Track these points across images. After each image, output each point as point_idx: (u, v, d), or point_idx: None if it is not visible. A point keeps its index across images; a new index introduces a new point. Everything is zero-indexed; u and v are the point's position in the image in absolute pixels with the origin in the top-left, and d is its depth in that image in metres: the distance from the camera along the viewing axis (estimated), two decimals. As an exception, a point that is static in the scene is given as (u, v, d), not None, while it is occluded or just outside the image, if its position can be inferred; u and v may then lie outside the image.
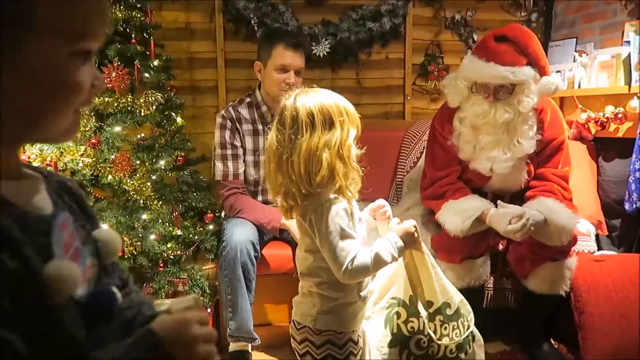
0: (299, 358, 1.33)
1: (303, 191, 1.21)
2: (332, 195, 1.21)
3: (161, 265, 1.94)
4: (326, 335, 1.26)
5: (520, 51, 1.92)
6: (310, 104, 1.21)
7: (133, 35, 2.02)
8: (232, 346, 2.01)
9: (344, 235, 1.21)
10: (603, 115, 2.45)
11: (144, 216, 1.93)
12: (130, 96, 1.96)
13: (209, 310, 2.09)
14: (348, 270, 1.20)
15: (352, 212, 1.27)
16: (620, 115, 2.37)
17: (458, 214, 1.95)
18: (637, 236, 2.37)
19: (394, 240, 1.28)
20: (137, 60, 1.98)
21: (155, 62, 2.09)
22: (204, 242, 2.12)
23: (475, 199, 2.01)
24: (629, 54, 2.37)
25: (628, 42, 2.44)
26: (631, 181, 2.27)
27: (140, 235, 1.88)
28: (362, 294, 1.31)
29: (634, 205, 2.26)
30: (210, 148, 2.37)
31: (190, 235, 2.11)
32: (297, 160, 1.19)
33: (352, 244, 1.22)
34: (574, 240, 2.01)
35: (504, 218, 1.85)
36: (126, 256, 1.83)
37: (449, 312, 1.39)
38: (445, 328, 1.37)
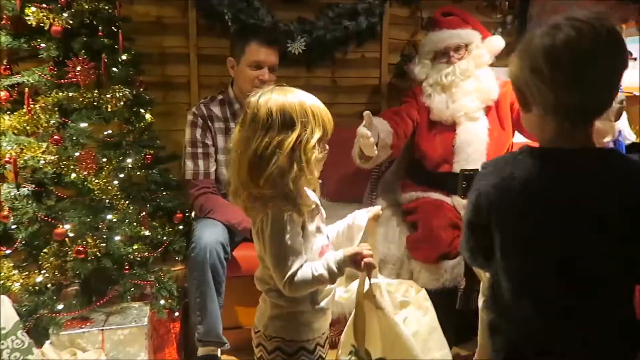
0: None
1: (252, 193, 1.18)
2: (280, 206, 1.15)
3: (127, 267, 1.87)
4: (276, 342, 1.24)
5: (463, 20, 2.36)
6: (272, 103, 1.16)
7: (100, 28, 1.94)
8: (201, 351, 1.95)
9: (287, 247, 1.15)
10: (575, 118, 2.47)
11: (109, 216, 1.85)
12: (96, 91, 1.87)
13: (176, 314, 2.03)
14: (287, 283, 1.15)
15: (306, 221, 1.20)
16: (592, 119, 2.39)
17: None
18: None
19: (338, 257, 1.21)
20: (104, 54, 1.90)
21: (124, 57, 2.01)
22: (172, 243, 2.05)
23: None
24: (601, 58, 2.40)
25: (600, 46, 2.46)
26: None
27: (104, 236, 1.80)
28: (319, 305, 1.25)
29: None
30: (181, 146, 2.31)
31: (159, 236, 2.03)
32: (245, 160, 1.16)
33: (295, 259, 1.16)
34: None
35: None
36: (89, 258, 1.75)
37: None
38: None
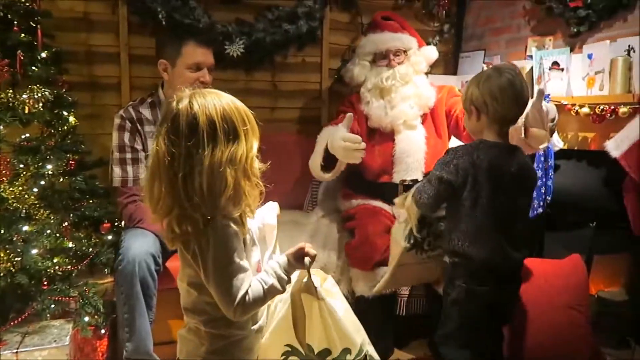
0: None
1: (208, 216, 1.04)
2: (225, 221, 1.05)
3: (45, 282, 1.72)
4: None
5: (401, 27, 2.40)
6: (211, 110, 1.03)
7: (16, 22, 1.78)
8: (130, 369, 1.83)
9: (235, 268, 1.06)
10: (508, 126, 2.55)
11: (26, 227, 1.70)
12: (10, 91, 1.72)
13: (103, 331, 1.90)
14: (240, 306, 1.05)
15: (246, 235, 1.13)
16: (523, 126, 2.48)
17: (322, 137, 2.19)
18: (538, 241, 2.49)
19: (283, 261, 1.17)
20: (19, 51, 1.75)
21: (44, 54, 1.86)
22: (99, 254, 1.92)
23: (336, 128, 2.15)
24: (532, 68, 2.49)
25: (531, 56, 2.56)
26: (533, 189, 2.38)
27: (19, 249, 1.64)
28: (256, 326, 1.18)
29: (536, 212, 2.37)
30: (110, 151, 2.17)
31: (84, 248, 1.90)
32: (198, 178, 1.01)
33: (245, 277, 1.08)
34: None
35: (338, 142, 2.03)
36: (1, 274, 1.59)
37: (349, 357, 1.23)
38: None
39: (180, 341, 1.19)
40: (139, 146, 2.02)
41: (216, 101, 1.06)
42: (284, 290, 1.16)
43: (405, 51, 2.32)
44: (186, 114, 1.03)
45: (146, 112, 2.05)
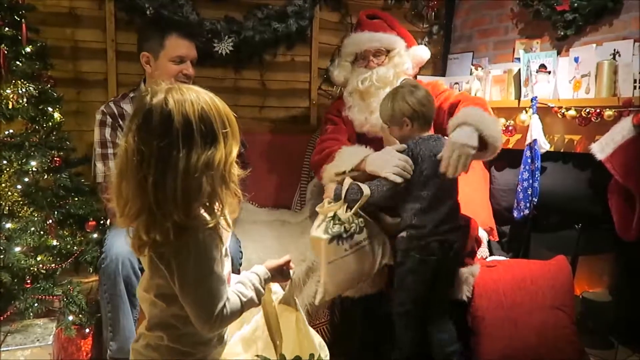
0: None
1: (177, 223, 0.93)
2: (203, 230, 0.97)
3: (29, 281, 1.69)
4: None
5: (389, 26, 2.24)
6: (187, 109, 0.93)
7: (0, 17, 1.75)
8: (115, 369, 1.80)
9: (215, 279, 0.98)
10: (495, 127, 2.57)
11: (9, 225, 1.67)
12: (-6, 86, 1.69)
13: (87, 330, 1.87)
14: (217, 319, 0.98)
15: (222, 246, 1.04)
16: (510, 128, 2.50)
17: (347, 154, 1.97)
18: (524, 242, 2.51)
19: (263, 274, 1.13)
20: (3, 45, 1.71)
21: (28, 49, 1.83)
22: (84, 253, 1.89)
23: (356, 146, 2.01)
24: (519, 70, 2.52)
25: (518, 59, 2.59)
26: (519, 190, 2.39)
27: (2, 247, 1.61)
28: (225, 339, 1.13)
29: (522, 213, 2.39)
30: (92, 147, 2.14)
31: (68, 246, 1.87)
32: (171, 183, 0.91)
33: (223, 289, 1.01)
34: (478, 244, 2.09)
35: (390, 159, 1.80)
36: (-18, 272, 1.56)
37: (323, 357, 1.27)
38: None
39: (134, 355, 1.08)
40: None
41: (194, 99, 0.96)
42: (259, 304, 1.11)
43: (388, 51, 2.18)
44: (160, 110, 0.93)
45: (128, 107, 2.02)
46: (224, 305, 1.00)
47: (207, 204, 0.96)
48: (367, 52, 2.18)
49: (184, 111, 0.93)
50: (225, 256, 1.09)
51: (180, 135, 0.92)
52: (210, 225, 0.97)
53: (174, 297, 1.00)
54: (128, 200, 0.96)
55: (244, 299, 1.05)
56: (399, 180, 1.75)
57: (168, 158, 0.92)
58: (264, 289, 1.12)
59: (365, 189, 1.79)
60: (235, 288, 1.06)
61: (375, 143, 2.14)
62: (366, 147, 2.04)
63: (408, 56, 2.21)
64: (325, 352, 1.28)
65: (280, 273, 1.17)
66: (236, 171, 1.01)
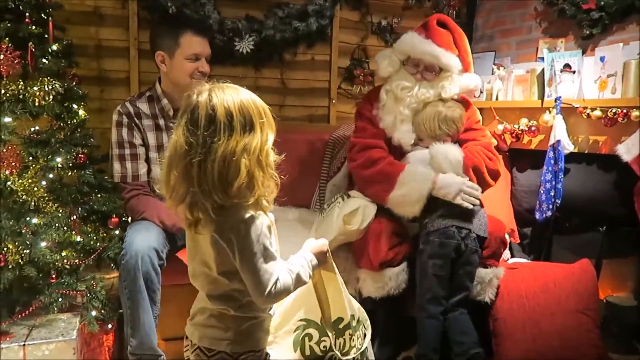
0: None
1: (218, 202, 1.06)
2: (251, 211, 1.09)
3: (54, 276, 1.71)
4: (244, 357, 1.18)
5: (455, 42, 2.11)
6: (229, 102, 1.07)
7: (27, 14, 1.77)
8: (135, 365, 1.82)
9: (267, 255, 1.11)
10: (518, 128, 2.54)
11: (35, 220, 1.69)
12: (21, 83, 1.72)
13: (109, 325, 1.89)
14: (271, 294, 1.11)
15: (271, 226, 1.16)
16: (533, 128, 2.47)
17: (413, 180, 1.97)
18: (546, 244, 2.48)
19: (309, 258, 1.25)
20: (31, 43, 1.74)
21: (54, 47, 1.85)
22: (107, 249, 1.91)
23: (418, 169, 2.02)
24: (543, 70, 2.48)
25: (542, 58, 2.55)
26: (542, 191, 2.36)
27: (28, 242, 1.64)
28: (273, 309, 1.26)
29: (544, 215, 2.36)
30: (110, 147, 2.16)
31: (92, 242, 1.89)
32: (211, 166, 1.04)
33: (275, 265, 1.13)
34: (503, 246, 2.07)
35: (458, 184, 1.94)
36: (10, 266, 1.58)
37: (354, 323, 1.39)
38: (353, 340, 1.38)
39: (199, 330, 1.19)
40: (137, 141, 2.01)
41: (234, 95, 1.09)
42: (307, 282, 1.22)
43: (440, 69, 2.08)
44: (205, 105, 1.06)
45: (144, 107, 2.04)
46: (277, 281, 1.12)
47: (245, 184, 1.06)
48: (420, 60, 2.08)
49: (226, 105, 1.07)
50: (272, 235, 1.19)
51: (222, 125, 1.06)
52: (252, 204, 1.08)
53: (235, 273, 1.12)
54: (175, 184, 1.09)
55: (294, 276, 1.16)
56: (470, 207, 1.92)
57: (211, 144, 1.05)
58: (311, 268, 1.23)
59: None
60: (286, 267, 1.17)
61: (398, 152, 2.14)
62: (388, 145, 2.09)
63: (459, 81, 2.10)
64: (364, 315, 1.45)
65: (321, 254, 1.28)
66: (272, 157, 1.13)
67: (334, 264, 1.36)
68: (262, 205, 1.11)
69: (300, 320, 1.34)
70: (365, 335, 1.43)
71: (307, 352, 1.32)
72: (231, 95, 1.08)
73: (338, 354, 1.33)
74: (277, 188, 1.14)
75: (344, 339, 1.36)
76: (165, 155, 1.12)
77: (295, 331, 1.33)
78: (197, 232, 1.12)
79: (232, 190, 1.05)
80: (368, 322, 1.47)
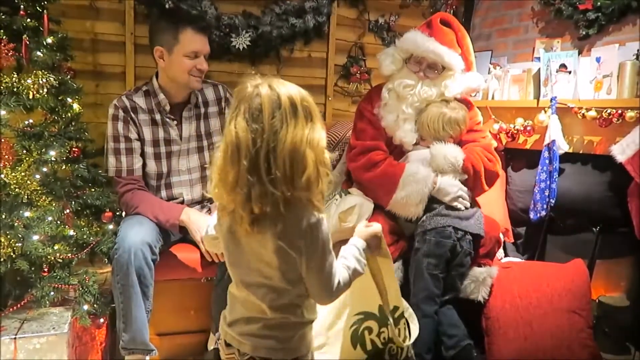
0: None
1: (286, 193, 1.01)
2: (316, 213, 1.06)
3: (46, 269, 1.71)
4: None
5: (457, 41, 2.10)
6: (292, 91, 1.05)
7: (22, 7, 1.76)
8: (127, 359, 1.82)
9: (331, 257, 1.09)
10: (513, 127, 2.54)
11: (27, 213, 1.68)
12: (15, 75, 1.71)
13: (101, 320, 1.89)
14: (334, 293, 1.10)
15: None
16: (529, 128, 2.47)
17: (415, 182, 1.98)
18: (540, 244, 2.48)
19: (361, 246, 1.22)
20: (25, 35, 1.73)
21: (49, 40, 1.84)
22: (100, 243, 1.90)
23: (418, 169, 2.03)
24: (539, 70, 2.48)
25: (538, 58, 2.55)
26: (536, 191, 2.36)
27: (20, 235, 1.63)
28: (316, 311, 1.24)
29: (538, 215, 2.36)
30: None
31: (85, 236, 1.88)
32: (280, 155, 1.00)
33: (336, 264, 1.12)
34: (498, 245, 2.07)
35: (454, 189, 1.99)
36: (2, 259, 1.58)
37: (406, 313, 1.38)
38: (406, 329, 1.38)
39: (250, 341, 1.14)
40: (133, 135, 2.00)
41: (290, 85, 1.08)
42: (363, 273, 1.20)
43: (443, 68, 2.08)
44: (268, 94, 1.03)
45: (140, 101, 2.03)
46: (338, 280, 1.11)
47: (312, 177, 1.03)
48: (423, 59, 2.07)
49: (289, 93, 1.04)
50: None
51: (288, 113, 1.02)
52: (316, 200, 1.05)
53: (300, 279, 1.10)
54: (239, 178, 1.02)
55: (351, 271, 1.15)
56: (463, 208, 1.99)
57: (279, 131, 1.01)
58: (364, 258, 1.20)
59: None
60: (342, 262, 1.16)
61: (398, 149, 2.14)
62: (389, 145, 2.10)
63: (461, 81, 2.09)
64: (406, 304, 1.44)
65: (374, 242, 1.27)
66: (327, 154, 1.09)
67: (387, 249, 1.31)
68: (323, 202, 1.07)
69: (357, 314, 1.29)
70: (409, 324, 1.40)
71: (369, 347, 1.27)
72: (290, 86, 1.07)
73: (400, 341, 1.29)
74: (331, 185, 1.11)
75: (399, 328, 1.32)
76: (219, 150, 1.06)
77: (352, 327, 1.28)
78: (257, 231, 1.05)
79: (301, 182, 1.01)
80: (411, 310, 1.45)
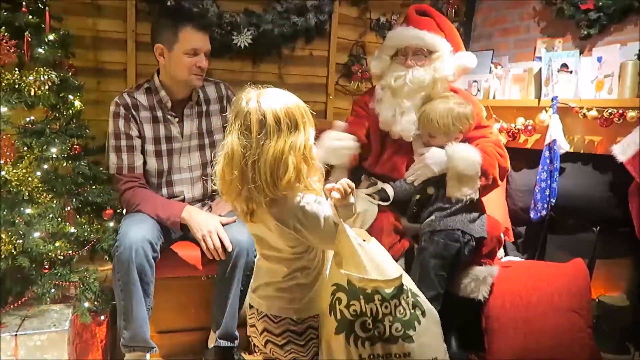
0: (276, 352, 1.35)
1: (270, 196, 1.20)
2: (299, 193, 1.23)
3: (47, 266, 1.71)
4: (308, 322, 1.33)
5: (438, 26, 2.10)
6: (277, 107, 1.21)
7: (24, 4, 1.76)
8: (128, 356, 1.82)
9: (323, 215, 1.25)
10: (514, 127, 2.54)
11: (28, 210, 1.68)
12: (17, 72, 1.71)
13: (102, 317, 1.89)
14: (333, 240, 1.27)
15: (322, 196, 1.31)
16: (529, 127, 2.47)
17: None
18: (540, 243, 2.48)
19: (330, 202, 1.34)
20: (27, 32, 1.73)
21: (51, 37, 1.84)
22: (101, 241, 1.90)
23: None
24: (540, 69, 2.48)
25: (539, 57, 2.55)
26: (537, 191, 2.37)
27: (21, 232, 1.63)
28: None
29: (539, 214, 2.36)
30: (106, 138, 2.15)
31: (86, 233, 1.88)
32: (263, 165, 1.19)
33: (333, 220, 1.27)
34: (498, 244, 2.07)
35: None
36: (3, 256, 1.58)
37: (387, 291, 1.32)
38: (386, 307, 1.32)
39: (265, 300, 1.35)
40: (134, 133, 2.00)
41: (280, 99, 1.23)
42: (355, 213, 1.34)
43: (429, 52, 2.06)
44: (255, 112, 1.20)
45: (142, 98, 2.03)
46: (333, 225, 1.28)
47: (293, 178, 1.20)
48: (407, 49, 2.06)
49: (274, 110, 1.20)
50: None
51: (272, 129, 1.19)
52: (303, 191, 1.24)
53: (305, 248, 1.30)
54: (231, 182, 1.23)
55: (336, 220, 1.29)
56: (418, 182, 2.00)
57: (263, 146, 1.19)
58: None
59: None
60: (329, 203, 1.31)
61: (398, 144, 2.10)
62: (387, 146, 2.09)
63: (452, 62, 2.06)
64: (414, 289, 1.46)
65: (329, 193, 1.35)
66: (315, 150, 1.26)
67: (347, 228, 1.30)
68: (312, 191, 1.26)
69: (333, 284, 1.33)
70: (413, 304, 1.37)
71: (339, 317, 1.30)
72: (277, 101, 1.22)
73: (369, 318, 1.30)
74: (323, 177, 1.28)
75: (374, 304, 1.30)
76: (221, 154, 1.25)
77: (331, 295, 1.34)
78: (253, 221, 1.27)
79: (282, 184, 1.19)
80: (419, 293, 1.42)
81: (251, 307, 1.40)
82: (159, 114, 2.04)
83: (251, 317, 1.40)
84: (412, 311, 1.36)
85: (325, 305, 1.34)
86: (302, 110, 1.24)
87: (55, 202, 1.78)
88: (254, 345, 1.43)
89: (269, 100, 1.22)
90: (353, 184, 1.28)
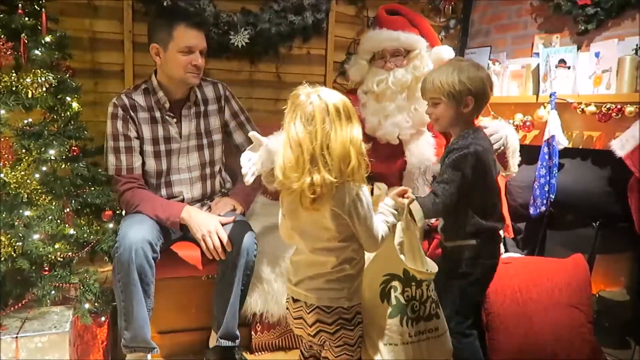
0: (327, 338, 1.43)
1: (336, 180, 1.29)
2: (359, 186, 1.34)
3: (46, 268, 1.71)
4: (355, 309, 1.44)
5: (411, 23, 2.10)
6: (335, 99, 1.32)
7: (20, 5, 1.76)
8: (129, 357, 1.82)
9: (372, 213, 1.38)
10: (513, 123, 2.54)
11: (27, 212, 1.68)
12: (14, 74, 1.71)
13: (103, 318, 1.89)
14: (380, 241, 1.41)
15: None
16: (528, 123, 2.47)
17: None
18: (540, 239, 2.49)
19: (391, 204, 1.49)
20: (24, 34, 1.73)
21: (48, 38, 1.83)
22: (100, 242, 1.90)
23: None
24: (538, 65, 2.48)
25: (537, 53, 2.55)
26: (536, 187, 2.37)
27: (21, 234, 1.63)
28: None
29: (538, 210, 2.37)
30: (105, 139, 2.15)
31: (85, 235, 1.88)
32: (333, 151, 1.28)
33: (377, 221, 1.41)
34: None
35: None
36: (2, 258, 1.58)
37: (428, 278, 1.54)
38: (429, 290, 1.55)
39: (315, 294, 1.42)
40: (132, 134, 1.99)
41: (335, 94, 1.34)
42: (397, 222, 1.50)
43: (407, 52, 2.04)
44: (318, 104, 1.30)
45: (140, 99, 2.03)
46: (381, 231, 1.41)
47: (355, 167, 1.30)
48: (384, 51, 2.04)
49: (334, 102, 1.31)
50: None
51: (334, 117, 1.30)
52: (359, 182, 1.34)
53: (353, 237, 1.40)
54: (301, 165, 1.30)
55: (389, 223, 1.46)
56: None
57: (330, 132, 1.29)
58: (397, 211, 1.49)
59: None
60: (381, 218, 1.45)
61: (388, 149, 2.07)
62: (375, 150, 1.99)
63: (429, 57, 2.04)
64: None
65: (397, 198, 1.52)
66: (364, 145, 1.35)
67: (410, 218, 1.50)
68: (364, 181, 1.36)
69: (385, 275, 1.51)
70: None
71: (394, 302, 1.50)
72: (333, 94, 1.33)
73: (417, 301, 1.52)
74: (368, 169, 1.36)
75: (422, 289, 1.53)
76: (283, 145, 1.32)
77: (381, 285, 1.51)
78: (314, 208, 1.32)
79: (347, 171, 1.30)
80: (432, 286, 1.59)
81: (296, 300, 1.47)
82: (157, 114, 2.03)
83: (298, 310, 1.47)
84: (434, 291, 1.58)
85: (372, 294, 1.50)
86: (349, 105, 1.34)
87: (54, 204, 1.77)
88: (299, 336, 1.54)
89: (326, 93, 1.32)
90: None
